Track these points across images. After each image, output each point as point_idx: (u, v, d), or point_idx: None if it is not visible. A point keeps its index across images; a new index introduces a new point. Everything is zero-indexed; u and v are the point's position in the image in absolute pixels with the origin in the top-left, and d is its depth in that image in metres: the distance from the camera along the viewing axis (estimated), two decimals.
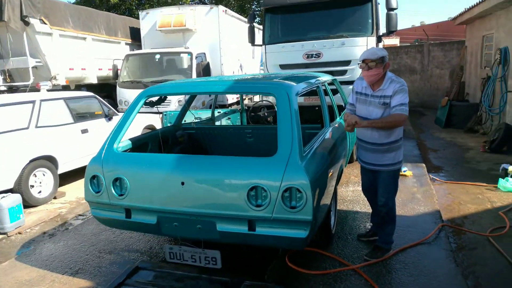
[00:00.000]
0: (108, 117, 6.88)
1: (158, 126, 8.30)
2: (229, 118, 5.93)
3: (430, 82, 12.93)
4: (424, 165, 6.53)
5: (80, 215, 4.91)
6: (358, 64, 3.27)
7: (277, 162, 2.59)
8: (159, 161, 2.91)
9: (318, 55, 7.54)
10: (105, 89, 10.96)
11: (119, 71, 9.78)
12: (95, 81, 10.24)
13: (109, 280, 3.19)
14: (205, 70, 9.19)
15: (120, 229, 3.85)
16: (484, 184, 5.51)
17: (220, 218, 2.71)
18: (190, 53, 9.30)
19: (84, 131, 6.23)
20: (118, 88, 9.64)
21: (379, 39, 7.51)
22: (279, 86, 2.95)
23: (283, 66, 7.83)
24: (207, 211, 2.71)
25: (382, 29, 7.56)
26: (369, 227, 3.91)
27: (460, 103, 10.10)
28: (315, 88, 3.76)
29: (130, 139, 3.57)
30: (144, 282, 3.10)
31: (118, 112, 7.63)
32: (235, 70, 11.47)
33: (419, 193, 5.13)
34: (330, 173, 3.13)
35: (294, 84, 3.13)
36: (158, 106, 3.93)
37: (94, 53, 10.16)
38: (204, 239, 2.86)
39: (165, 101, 9.02)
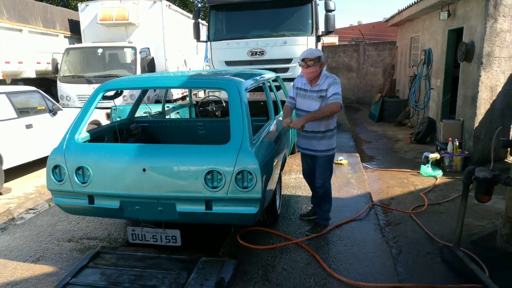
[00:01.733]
0: (53, 112, 6.77)
1: (103, 121, 8.27)
2: (178, 112, 6.15)
3: (366, 79, 14.02)
4: (358, 154, 7.25)
5: (30, 209, 4.90)
6: (298, 62, 3.71)
7: (231, 149, 2.94)
8: (121, 150, 3.13)
9: (261, 53, 7.96)
10: (44, 83, 10.56)
11: (59, 65, 9.50)
12: (33, 75, 9.85)
13: (72, 265, 3.36)
14: (149, 65, 9.25)
15: (82, 215, 3.96)
16: (409, 170, 6.32)
17: (180, 200, 3.02)
18: (134, 48, 9.30)
19: (29, 126, 6.11)
20: (58, 83, 9.38)
21: (318, 39, 8.11)
22: (231, 82, 3.31)
23: (228, 63, 8.16)
24: (167, 194, 3.00)
25: (321, 29, 8.18)
26: (310, 208, 4.41)
27: (391, 99, 11.15)
28: (261, 85, 4.16)
29: (87, 131, 3.71)
30: (107, 264, 3.34)
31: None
32: (179, 66, 11.59)
33: (353, 179, 5.77)
34: (275, 160, 3.55)
35: (244, 80, 3.50)
36: (113, 99, 4.09)
37: (31, 46, 9.76)
38: (165, 220, 3.14)
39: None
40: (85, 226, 4.19)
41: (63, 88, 9.24)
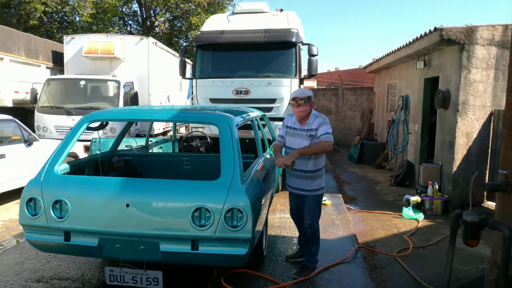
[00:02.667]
0: (28, 143, 6.52)
1: (81, 154, 8.02)
2: (160, 147, 6.04)
3: (344, 122, 14.35)
4: (340, 195, 7.24)
5: None
6: (289, 102, 3.73)
7: (221, 185, 2.85)
8: (103, 184, 2.98)
9: (246, 92, 8.06)
10: (20, 113, 10.25)
11: (38, 95, 9.29)
12: (10, 104, 9.55)
13: None
14: (132, 99, 9.17)
15: (55, 253, 3.69)
16: (391, 213, 6.33)
17: (164, 239, 2.85)
18: (117, 82, 9.23)
19: (1, 156, 5.83)
20: (36, 113, 9.12)
21: (301, 81, 8.32)
22: (222, 118, 3.27)
23: (213, 100, 8.20)
24: (151, 232, 2.84)
25: (303, 72, 8.41)
26: (296, 249, 4.28)
27: (370, 142, 11.39)
28: (249, 122, 4.15)
29: (67, 163, 3.55)
30: None
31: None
32: (163, 101, 11.57)
33: (338, 220, 5.70)
34: (264, 199, 3.46)
35: (234, 116, 3.47)
36: (98, 131, 3.96)
37: (11, 74, 9.54)
38: (147, 260, 2.95)
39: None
40: (56, 265, 3.90)
41: (40, 118, 8.97)
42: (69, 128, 8.69)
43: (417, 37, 7.28)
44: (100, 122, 3.91)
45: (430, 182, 6.53)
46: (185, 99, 13.86)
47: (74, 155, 7.74)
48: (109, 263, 3.69)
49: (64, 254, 3.48)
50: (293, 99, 3.63)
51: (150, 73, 10.41)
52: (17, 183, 6.22)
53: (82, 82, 9.15)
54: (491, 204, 6.54)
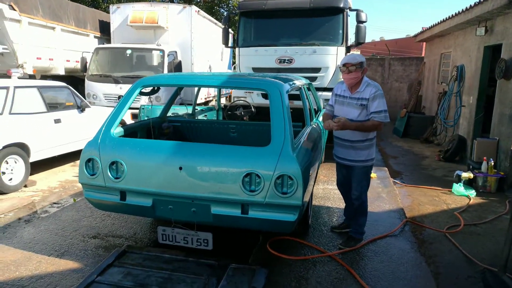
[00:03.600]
0: (81, 109, 6.80)
1: (128, 121, 8.28)
2: (205, 115, 6.09)
3: (390, 94, 13.78)
4: (386, 168, 7.04)
5: (54, 203, 4.86)
6: (340, 68, 3.58)
7: (271, 152, 2.82)
8: (158, 147, 3.04)
9: (290, 61, 7.88)
10: (72, 81, 10.68)
11: (87, 64, 9.61)
12: (62, 72, 9.97)
13: (96, 262, 3.27)
14: (176, 68, 9.26)
15: (111, 212, 3.89)
16: (440, 188, 6.07)
17: (215, 202, 2.90)
18: (162, 51, 9.34)
19: (57, 121, 6.12)
20: (86, 81, 9.46)
21: (348, 49, 8.00)
22: (272, 84, 3.20)
23: (255, 69, 8.10)
24: (202, 195, 2.89)
25: (350, 40, 8.07)
26: (342, 220, 4.23)
27: (417, 115, 10.89)
28: (298, 90, 4.05)
29: (121, 127, 3.65)
30: (133, 264, 3.22)
31: None
32: (205, 70, 11.62)
33: (384, 193, 5.56)
34: (313, 167, 3.41)
35: (283, 83, 3.39)
36: (150, 96, 4.03)
37: (62, 44, 9.90)
38: (198, 222, 3.02)
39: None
40: (111, 223, 4.11)
41: (90, 86, 9.31)
42: (117, 96, 8.98)
43: (479, 0, 6.71)
44: (151, 88, 3.95)
45: (485, 158, 6.17)
46: (226, 69, 13.83)
47: (122, 122, 8.00)
48: (161, 223, 3.83)
49: (119, 213, 3.64)
50: (344, 65, 3.47)
51: (193, 42, 10.43)
52: (72, 146, 6.55)
53: (129, 51, 9.33)
54: None
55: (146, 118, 5.86)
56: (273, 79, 3.33)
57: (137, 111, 8.91)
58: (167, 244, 3.17)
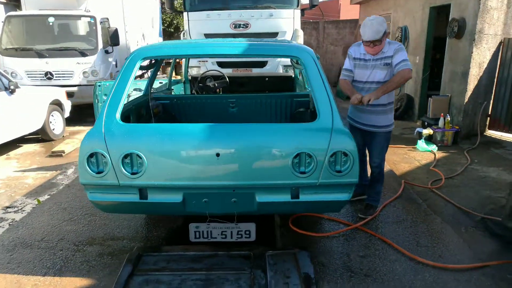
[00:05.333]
0: (9, 90, 5.66)
1: (64, 101, 7.21)
2: (172, 89, 5.45)
3: (325, 58, 14.00)
4: None
5: (8, 207, 4.00)
6: (362, 42, 3.30)
7: (321, 127, 2.52)
8: (186, 132, 2.54)
9: (245, 26, 7.43)
10: None
11: None
12: None
13: (110, 274, 2.74)
14: (113, 37, 8.18)
15: (126, 214, 3.29)
16: (405, 146, 6.36)
17: (260, 189, 2.54)
18: (93, 17, 8.13)
19: None
20: (0, 57, 7.92)
21: (302, 12, 7.78)
22: (304, 50, 2.83)
23: (208, 36, 7.52)
24: (246, 183, 2.51)
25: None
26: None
27: None
28: None
29: None
30: (157, 269, 2.78)
31: None
32: (139, 40, 10.54)
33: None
34: None
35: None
36: (146, 71, 3.37)
37: None
38: (239, 213, 2.65)
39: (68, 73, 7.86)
40: (101, 224, 3.49)
41: (7, 62, 7.81)
42: (43, 73, 7.72)
43: None
44: (150, 61, 3.30)
45: (442, 114, 6.56)
46: (158, 37, 12.76)
47: (57, 103, 6.94)
48: (183, 219, 3.31)
49: (137, 213, 3.05)
50: (371, 41, 3.21)
51: (125, 8, 9.29)
52: (5, 136, 5.48)
53: (51, 19, 7.96)
54: (492, 133, 6.78)
55: (104, 97, 5.07)
56: (301, 44, 2.96)
57: (73, 89, 7.82)
58: (199, 241, 2.74)
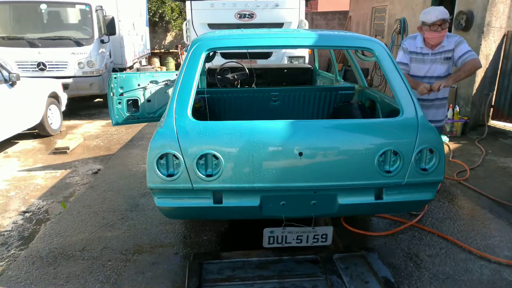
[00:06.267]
0: (10, 83, 5.21)
1: (61, 94, 6.77)
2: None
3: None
4: None
5: (24, 211, 3.65)
6: (429, 25, 3.17)
7: (407, 123, 2.39)
8: (267, 130, 2.33)
9: (251, 16, 7.20)
10: None
11: None
12: None
13: (172, 286, 2.51)
14: (109, 26, 7.74)
15: (198, 219, 3.05)
16: None
17: (343, 190, 2.39)
18: (88, 5, 7.64)
19: None
20: None
21: (306, 3, 7.63)
22: (375, 41, 2.68)
23: (212, 26, 7.26)
24: (328, 184, 2.34)
25: None
26: None
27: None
28: None
29: None
30: (224, 278, 2.59)
31: None
32: (130, 30, 10.06)
33: None
34: None
35: None
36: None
37: None
38: (317, 215, 2.48)
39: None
40: (142, 229, 3.22)
41: None
42: (35, 63, 7.21)
43: None
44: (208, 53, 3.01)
45: (451, 105, 6.60)
46: (145, 26, 12.25)
47: (54, 95, 6.50)
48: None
49: (208, 219, 2.78)
50: (439, 21, 3.08)
51: None
52: (6, 132, 5.05)
53: (43, 6, 7.41)
54: (495, 123, 6.91)
55: (120, 90, 4.74)
56: (367, 36, 2.81)
57: (67, 80, 7.36)
58: (271, 247, 2.56)
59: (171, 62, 14.55)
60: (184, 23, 7.40)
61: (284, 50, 7.37)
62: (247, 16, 7.17)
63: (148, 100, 4.95)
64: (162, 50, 14.90)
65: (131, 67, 10.28)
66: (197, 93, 3.70)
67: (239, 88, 3.74)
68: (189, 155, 2.25)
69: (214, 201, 2.35)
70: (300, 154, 2.27)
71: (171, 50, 14.82)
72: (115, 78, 4.70)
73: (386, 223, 3.38)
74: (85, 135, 6.53)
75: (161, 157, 2.26)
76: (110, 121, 7.59)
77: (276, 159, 2.28)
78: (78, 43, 7.46)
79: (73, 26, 7.70)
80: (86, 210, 3.55)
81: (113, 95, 4.73)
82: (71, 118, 7.54)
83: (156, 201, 2.36)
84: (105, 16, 7.73)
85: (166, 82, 5.00)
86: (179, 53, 14.49)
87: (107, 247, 2.96)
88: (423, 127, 2.38)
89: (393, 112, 2.90)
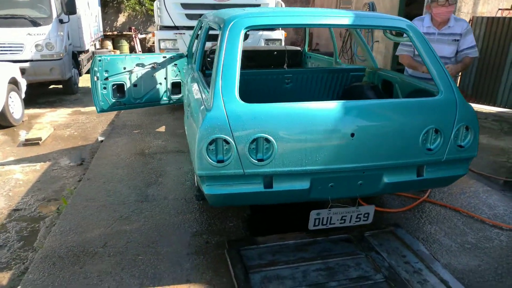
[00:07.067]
0: None
1: (20, 80, 6.17)
2: (175, 64, 4.91)
3: None
4: None
5: (16, 210, 3.30)
6: (436, 1, 3.27)
7: (447, 102, 2.45)
8: (321, 111, 2.26)
9: None
10: None
11: None
12: None
13: (216, 276, 2.43)
14: (69, 5, 7.09)
15: (244, 205, 2.91)
16: None
17: (389, 169, 2.42)
18: None
19: None
20: None
21: None
22: (408, 22, 2.70)
23: (185, 6, 6.94)
24: (376, 163, 2.36)
25: None
26: None
27: (317, 53, 11.37)
28: None
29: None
30: (267, 263, 2.56)
31: None
32: (86, 8, 9.33)
33: None
34: None
35: None
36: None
37: None
38: (361, 195, 2.50)
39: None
40: (162, 219, 3.04)
41: None
42: None
43: None
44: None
45: None
46: (97, 5, 11.43)
47: (14, 81, 5.90)
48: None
49: (257, 204, 2.62)
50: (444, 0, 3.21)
51: None
52: None
53: None
54: None
55: (105, 73, 4.39)
56: (399, 17, 2.82)
57: (24, 64, 6.70)
58: (315, 229, 2.53)
59: (125, 45, 13.75)
60: (155, 2, 6.99)
61: (260, 33, 7.25)
62: None
63: (135, 85, 4.66)
64: (115, 33, 14.01)
65: (87, 51, 9.58)
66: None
67: (255, 70, 3.59)
68: (241, 139, 2.14)
69: (264, 186, 2.27)
70: (352, 135, 2.26)
71: (124, 33, 13.98)
72: (100, 61, 4.36)
73: (399, 200, 3.50)
74: (54, 125, 6.01)
75: (210, 143, 2.13)
76: (76, 109, 7.17)
77: (329, 140, 2.25)
78: (34, 23, 6.77)
79: (27, 3, 6.94)
80: (92, 203, 3.28)
81: (97, 79, 4.39)
82: (29, 106, 6.89)
83: (205, 189, 2.23)
84: None
85: (153, 65, 4.74)
86: (133, 35, 13.73)
87: (130, 241, 2.77)
88: (462, 107, 2.47)
89: (417, 92, 2.98)
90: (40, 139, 5.19)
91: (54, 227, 2.96)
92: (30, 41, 6.74)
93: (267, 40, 7.29)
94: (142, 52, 13.49)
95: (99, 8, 11.84)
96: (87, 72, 10.11)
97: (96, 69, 4.34)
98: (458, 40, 3.33)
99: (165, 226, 2.96)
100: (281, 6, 7.22)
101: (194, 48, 4.88)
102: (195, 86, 2.96)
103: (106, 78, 4.40)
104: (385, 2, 8.49)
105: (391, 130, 2.34)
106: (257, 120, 2.17)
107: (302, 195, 2.37)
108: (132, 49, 13.87)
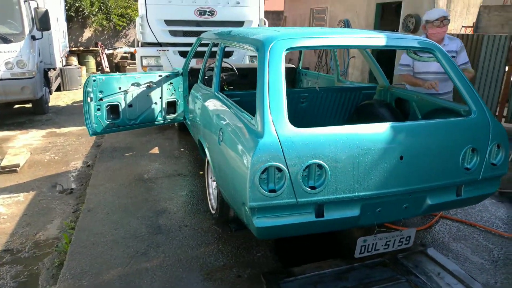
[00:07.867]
0: None
1: None
2: (171, 83, 4.70)
3: None
4: None
5: (5, 250, 2.95)
6: (433, 22, 3.41)
7: (482, 121, 2.48)
8: (371, 134, 2.18)
9: (211, 13, 6.90)
10: None
11: None
12: None
13: None
14: (42, 21, 6.67)
15: (290, 236, 2.63)
16: None
17: (432, 191, 2.39)
18: None
19: None
20: None
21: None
22: (434, 43, 2.74)
23: (169, 22, 6.79)
24: (421, 186, 2.32)
25: None
26: None
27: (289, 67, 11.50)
28: None
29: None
30: None
31: None
32: (54, 24, 8.86)
33: None
34: None
35: None
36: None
37: None
38: (405, 218, 2.45)
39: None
40: (182, 253, 2.82)
41: None
42: None
43: None
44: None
45: None
46: (63, 21, 10.94)
47: None
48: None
49: (305, 234, 2.43)
50: (444, 17, 3.37)
51: None
52: None
53: None
54: None
55: (99, 94, 4.12)
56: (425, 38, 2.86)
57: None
58: (361, 256, 2.43)
59: (92, 61, 13.21)
60: (137, 19, 6.75)
61: (245, 50, 7.20)
62: (207, 13, 6.84)
63: (130, 105, 4.42)
64: (81, 48, 13.43)
65: (55, 68, 9.08)
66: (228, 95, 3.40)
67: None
68: (294, 167, 2.02)
69: (316, 215, 2.15)
70: (401, 157, 2.21)
71: (91, 48, 13.44)
72: (95, 81, 4.09)
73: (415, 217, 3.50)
74: (29, 149, 5.55)
75: (263, 172, 1.99)
76: (51, 130, 6.69)
77: (379, 164, 2.18)
78: (4, 40, 6.30)
79: None
80: (101, 239, 2.99)
81: (91, 100, 4.11)
82: None
83: (255, 222, 2.07)
84: (37, 8, 6.64)
85: (148, 84, 4.52)
86: (100, 51, 13.23)
87: (155, 281, 2.52)
88: (495, 126, 2.50)
89: (438, 111, 3.01)
90: (17, 165, 4.75)
91: (63, 270, 2.65)
92: (0, 59, 6.25)
93: (252, 57, 7.24)
94: (109, 68, 13.02)
95: (65, 23, 11.34)
96: (56, 90, 9.59)
97: (90, 89, 4.06)
98: (454, 57, 3.48)
99: (189, 261, 2.74)
100: (264, 23, 7.22)
101: (190, 66, 4.74)
102: (224, 108, 2.81)
103: (100, 99, 4.13)
104: (360, 19, 8.75)
105: (436, 151, 2.32)
106: (310, 145, 2.06)
107: (351, 222, 2.27)
108: (98, 65, 13.35)
